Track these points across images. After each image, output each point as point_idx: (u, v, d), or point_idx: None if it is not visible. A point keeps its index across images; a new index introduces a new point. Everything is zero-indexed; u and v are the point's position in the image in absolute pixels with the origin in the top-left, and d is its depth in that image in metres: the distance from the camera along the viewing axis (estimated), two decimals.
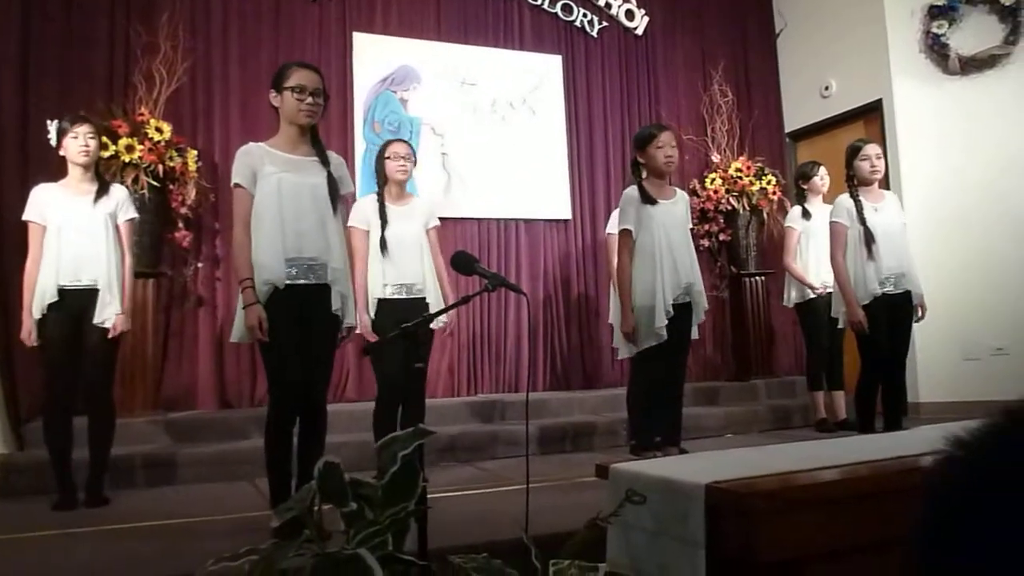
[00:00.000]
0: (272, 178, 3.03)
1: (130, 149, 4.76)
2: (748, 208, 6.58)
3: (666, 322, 4.04)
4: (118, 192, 3.88)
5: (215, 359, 5.38)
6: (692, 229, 4.53)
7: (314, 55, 5.66)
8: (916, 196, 5.85)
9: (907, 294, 4.26)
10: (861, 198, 4.30)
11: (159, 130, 4.89)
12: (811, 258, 5.31)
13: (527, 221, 6.42)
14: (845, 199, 4.35)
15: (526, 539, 1.73)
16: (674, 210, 4.23)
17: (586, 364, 6.42)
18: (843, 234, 4.30)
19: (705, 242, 6.60)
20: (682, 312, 4.15)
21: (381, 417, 3.95)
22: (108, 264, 3.69)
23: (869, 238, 4.21)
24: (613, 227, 4.97)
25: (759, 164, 6.70)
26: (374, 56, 6.06)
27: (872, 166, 4.33)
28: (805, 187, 5.48)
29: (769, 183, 6.57)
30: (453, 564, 1.63)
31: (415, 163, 4.27)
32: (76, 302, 3.64)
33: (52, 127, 4.14)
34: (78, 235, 3.66)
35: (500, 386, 6.12)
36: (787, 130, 7.37)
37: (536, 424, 5.05)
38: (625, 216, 4.19)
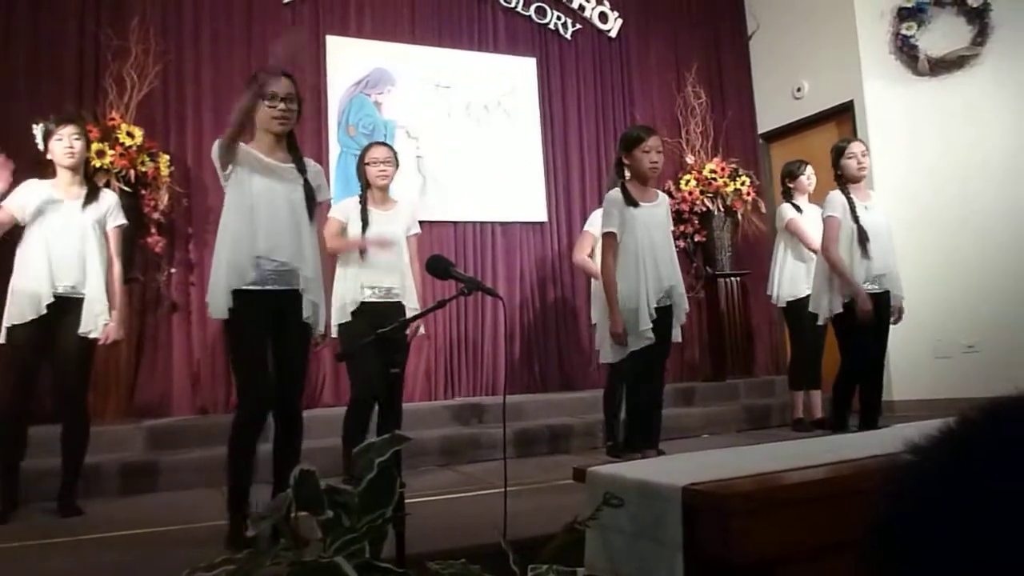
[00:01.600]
0: (248, 178, 2.99)
1: (101, 154, 4.70)
2: (723, 209, 6.63)
3: (651, 324, 4.03)
4: (108, 197, 3.80)
5: (189, 365, 5.33)
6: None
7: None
8: (888, 196, 5.86)
9: (887, 294, 4.28)
10: (852, 196, 4.31)
11: (130, 134, 4.85)
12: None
13: (503, 224, 6.42)
14: (838, 194, 4.34)
15: (504, 544, 1.72)
16: (656, 212, 4.21)
17: (563, 366, 6.42)
18: (837, 228, 4.26)
19: (681, 243, 6.62)
20: (663, 315, 4.15)
21: (352, 419, 3.90)
22: (96, 271, 3.61)
23: (863, 236, 4.20)
24: (592, 225, 4.94)
25: (733, 165, 6.75)
26: (348, 59, 6.03)
27: (859, 163, 4.34)
28: (792, 186, 5.48)
29: (743, 184, 6.62)
30: (431, 570, 1.62)
31: (397, 166, 4.19)
32: (55, 308, 3.55)
33: (38, 130, 4.07)
34: (64, 239, 3.58)
35: (477, 389, 6.11)
36: (760, 131, 7.42)
37: (514, 427, 5.04)
38: (609, 218, 4.14)
